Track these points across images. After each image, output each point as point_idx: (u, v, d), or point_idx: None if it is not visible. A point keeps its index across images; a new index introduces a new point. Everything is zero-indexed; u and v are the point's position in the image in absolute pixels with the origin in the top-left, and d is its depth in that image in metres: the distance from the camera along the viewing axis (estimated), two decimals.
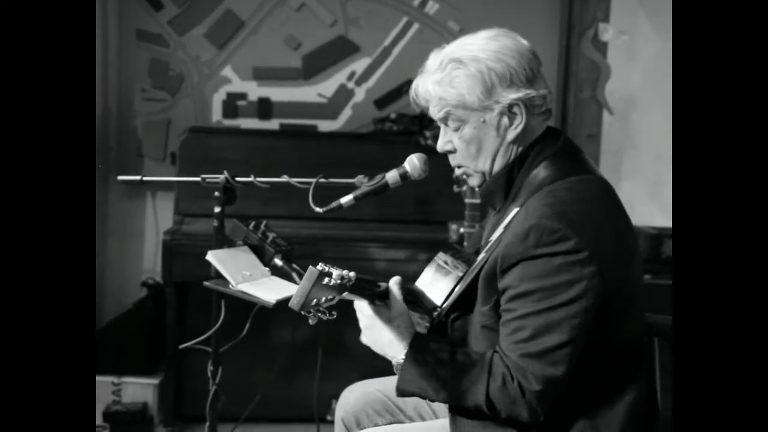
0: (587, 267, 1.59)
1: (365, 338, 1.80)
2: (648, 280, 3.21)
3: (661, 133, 3.96)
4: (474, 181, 1.84)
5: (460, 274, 1.89)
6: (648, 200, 3.98)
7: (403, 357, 1.72)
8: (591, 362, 1.69)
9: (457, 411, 1.76)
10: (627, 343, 1.74)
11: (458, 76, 1.72)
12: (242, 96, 4.16)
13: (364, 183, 2.14)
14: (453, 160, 1.83)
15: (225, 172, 2.45)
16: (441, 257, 1.97)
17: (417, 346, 1.72)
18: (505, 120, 1.75)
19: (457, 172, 1.85)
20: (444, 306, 1.86)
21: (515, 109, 1.74)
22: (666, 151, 3.59)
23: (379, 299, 1.78)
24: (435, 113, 1.79)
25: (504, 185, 1.79)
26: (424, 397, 1.73)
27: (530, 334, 1.61)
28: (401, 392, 1.73)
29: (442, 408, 2.03)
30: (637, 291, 1.76)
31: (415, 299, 1.87)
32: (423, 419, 2.09)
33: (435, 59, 1.77)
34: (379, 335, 1.76)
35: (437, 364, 1.69)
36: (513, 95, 1.72)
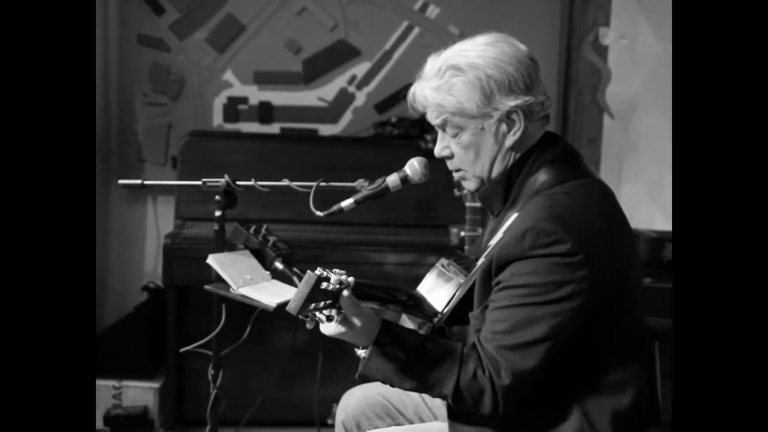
0: (579, 270, 1.60)
1: (327, 330, 1.70)
2: (649, 284, 3.21)
3: (661, 137, 3.96)
4: (471, 186, 1.84)
5: (462, 280, 1.89)
6: (649, 204, 3.98)
7: (370, 347, 1.68)
8: (591, 364, 1.70)
9: (456, 413, 1.76)
10: (627, 345, 1.75)
11: (456, 83, 1.72)
12: (243, 100, 4.17)
13: (364, 187, 2.14)
14: (451, 164, 1.84)
15: (226, 175, 2.46)
16: (443, 263, 1.97)
17: (385, 333, 1.68)
18: (504, 127, 1.75)
19: (455, 175, 1.86)
20: (444, 312, 1.86)
21: (513, 116, 1.74)
22: (667, 155, 3.59)
23: (383, 304, 1.78)
24: (433, 119, 1.79)
25: (503, 190, 1.80)
26: (387, 384, 1.70)
27: (509, 327, 1.62)
28: (363, 378, 1.71)
29: (441, 411, 2.03)
30: (636, 294, 1.76)
31: (416, 304, 1.87)
32: (423, 422, 2.09)
33: (433, 65, 1.77)
34: (341, 330, 1.68)
35: (405, 352, 1.67)
36: (511, 102, 1.72)
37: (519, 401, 1.66)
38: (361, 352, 1.71)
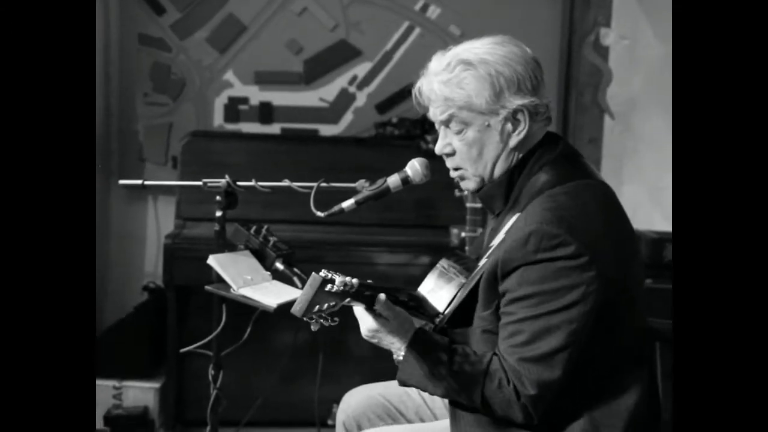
0: (586, 272, 1.59)
1: (366, 336, 1.77)
2: (649, 285, 3.21)
3: (662, 138, 3.96)
4: (470, 185, 1.84)
5: (463, 281, 1.89)
6: (649, 204, 3.98)
7: (404, 352, 1.72)
8: (592, 365, 1.69)
9: (459, 410, 1.76)
10: (628, 346, 1.75)
11: (467, 77, 1.72)
12: (244, 100, 4.17)
13: (365, 187, 2.14)
14: (450, 162, 1.83)
15: (226, 176, 2.45)
16: (444, 263, 1.97)
17: (419, 341, 1.72)
18: (509, 126, 1.75)
19: (453, 174, 1.85)
20: (446, 312, 1.86)
21: (519, 116, 1.74)
22: (667, 156, 3.57)
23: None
24: (437, 115, 1.78)
25: (504, 190, 1.79)
26: (422, 390, 1.75)
27: (527, 338, 1.62)
28: (402, 383, 1.75)
29: (443, 411, 2.03)
30: (637, 294, 1.76)
31: (417, 305, 1.87)
32: (424, 423, 2.09)
33: (440, 61, 1.77)
34: (381, 335, 1.75)
35: (437, 361, 1.69)
36: (519, 101, 1.72)
37: (549, 408, 1.66)
38: (398, 358, 1.74)
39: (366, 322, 1.74)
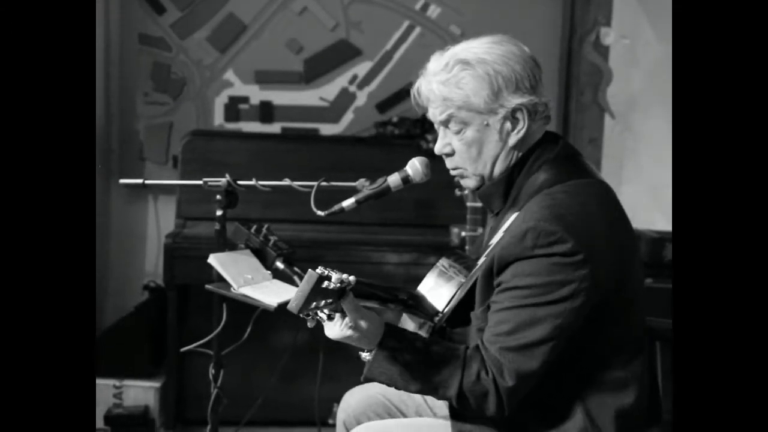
0: (580, 270, 1.60)
1: (332, 334, 1.70)
2: (649, 284, 3.21)
3: (662, 137, 3.96)
4: (471, 183, 1.84)
5: (462, 280, 1.89)
6: (649, 204, 3.98)
7: (375, 349, 1.68)
8: (592, 363, 1.70)
9: (458, 412, 1.76)
10: (628, 345, 1.75)
11: (465, 77, 1.73)
12: (244, 99, 4.17)
13: (366, 186, 2.14)
14: (450, 162, 1.83)
15: (227, 175, 2.45)
16: (444, 262, 1.97)
17: (390, 337, 1.69)
18: (508, 125, 1.75)
19: (453, 173, 1.85)
20: (445, 311, 1.86)
21: (518, 115, 1.74)
22: (667, 155, 3.58)
23: (384, 303, 1.78)
24: (436, 115, 1.79)
25: (503, 189, 1.80)
26: (391, 386, 1.71)
27: (511, 328, 1.62)
28: (367, 379, 1.71)
29: (443, 410, 2.03)
30: (637, 293, 1.77)
31: (417, 304, 1.87)
32: None
33: (438, 61, 1.77)
34: (350, 340, 1.70)
35: (410, 354, 1.67)
36: (517, 100, 1.72)
37: (522, 401, 1.66)
38: (365, 356, 1.72)
39: (333, 329, 1.68)
